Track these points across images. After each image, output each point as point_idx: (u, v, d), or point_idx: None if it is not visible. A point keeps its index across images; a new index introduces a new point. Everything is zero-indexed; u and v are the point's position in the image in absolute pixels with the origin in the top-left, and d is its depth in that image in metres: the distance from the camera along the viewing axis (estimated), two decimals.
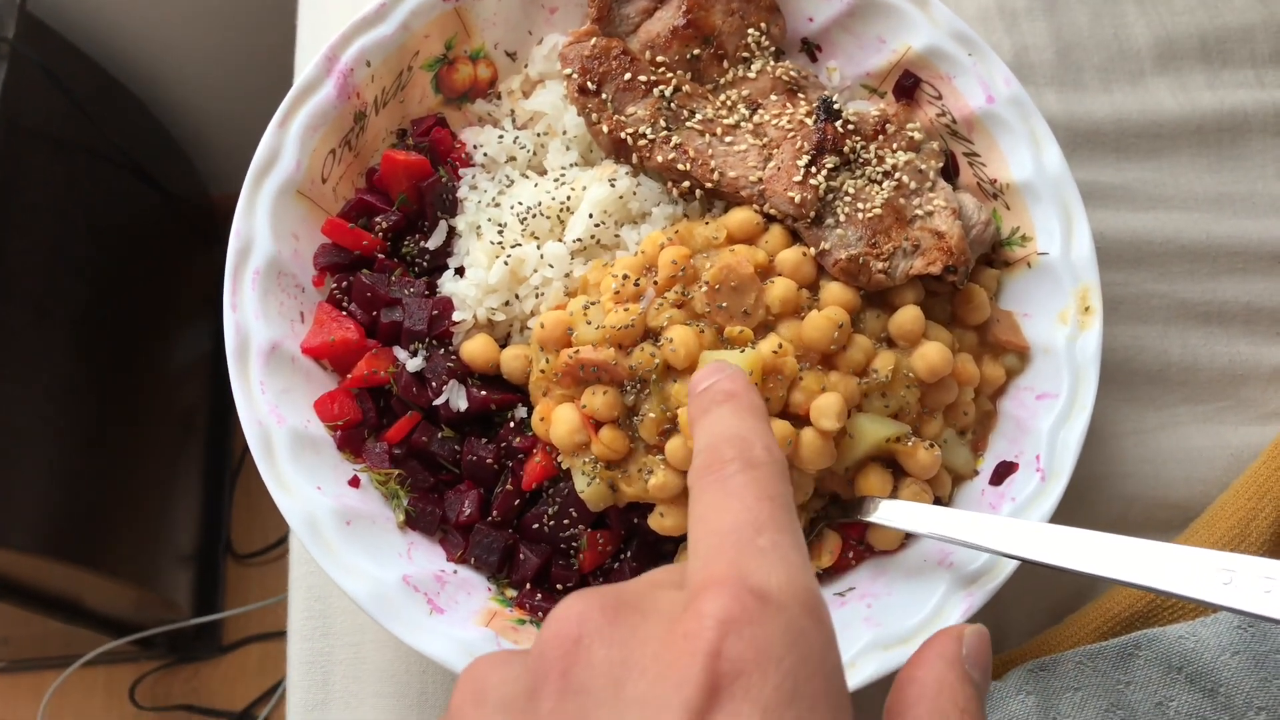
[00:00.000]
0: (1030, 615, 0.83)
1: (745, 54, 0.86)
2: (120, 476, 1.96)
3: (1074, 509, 0.74)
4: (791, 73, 0.86)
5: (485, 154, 0.86)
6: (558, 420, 0.75)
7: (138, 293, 2.04)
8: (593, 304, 0.77)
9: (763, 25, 0.87)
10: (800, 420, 0.74)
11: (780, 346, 0.74)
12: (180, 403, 2.25)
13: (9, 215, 1.60)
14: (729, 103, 0.84)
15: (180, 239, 2.26)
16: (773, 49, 0.87)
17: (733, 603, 0.36)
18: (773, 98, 0.85)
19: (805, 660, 0.36)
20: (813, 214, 0.79)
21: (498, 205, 0.84)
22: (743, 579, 0.37)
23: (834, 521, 0.79)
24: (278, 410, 0.74)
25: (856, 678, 0.70)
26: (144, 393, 2.06)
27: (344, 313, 0.81)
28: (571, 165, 0.85)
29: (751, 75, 0.86)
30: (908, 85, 0.87)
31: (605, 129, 0.81)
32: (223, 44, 1.98)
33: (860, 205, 0.79)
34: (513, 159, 0.86)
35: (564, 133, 0.85)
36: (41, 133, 1.74)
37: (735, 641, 0.35)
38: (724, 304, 0.75)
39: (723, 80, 0.86)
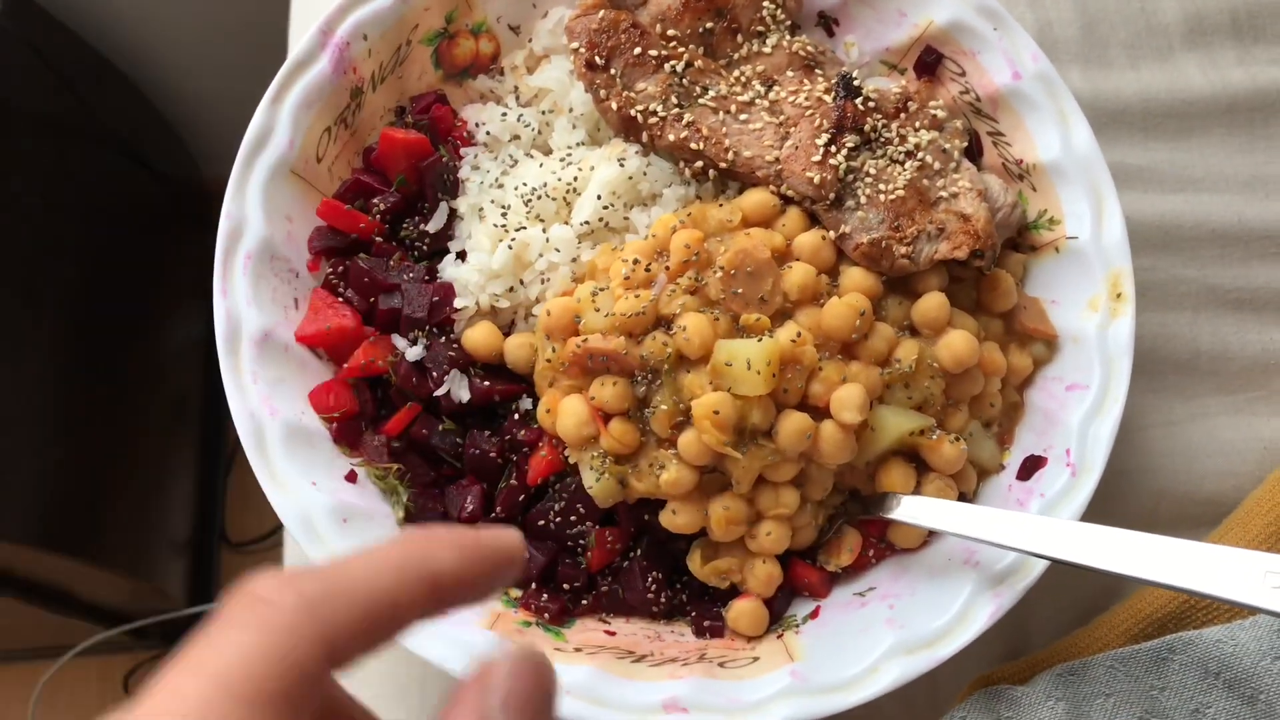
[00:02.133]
0: (1055, 615, 0.80)
1: (760, 28, 0.82)
2: (112, 464, 1.92)
3: (1100, 505, 0.71)
4: (808, 48, 0.82)
5: (488, 132, 0.82)
6: (565, 412, 0.72)
7: (128, 276, 2.00)
8: (601, 290, 0.73)
9: None
10: (819, 412, 0.71)
11: (799, 335, 0.70)
12: (173, 388, 2.21)
13: None
14: (743, 79, 0.80)
15: (171, 221, 2.21)
16: (788, 23, 0.83)
17: None
18: (789, 74, 0.81)
19: None
20: (832, 195, 0.75)
21: (501, 186, 0.80)
22: None
23: (853, 518, 0.75)
24: (270, 401, 0.70)
25: (877, 685, 0.67)
26: (136, 378, 2.03)
27: (340, 299, 0.77)
28: (578, 144, 0.81)
29: (767, 50, 0.82)
30: (929, 61, 0.83)
31: (614, 106, 0.77)
32: (214, 21, 1.93)
33: (882, 186, 0.76)
34: (516, 138, 0.82)
35: (570, 110, 0.82)
36: (30, 112, 1.69)
37: None
38: (739, 290, 0.71)
39: (736, 55, 0.82)
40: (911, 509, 0.71)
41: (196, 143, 2.26)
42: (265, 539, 2.32)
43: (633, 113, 0.77)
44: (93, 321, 1.86)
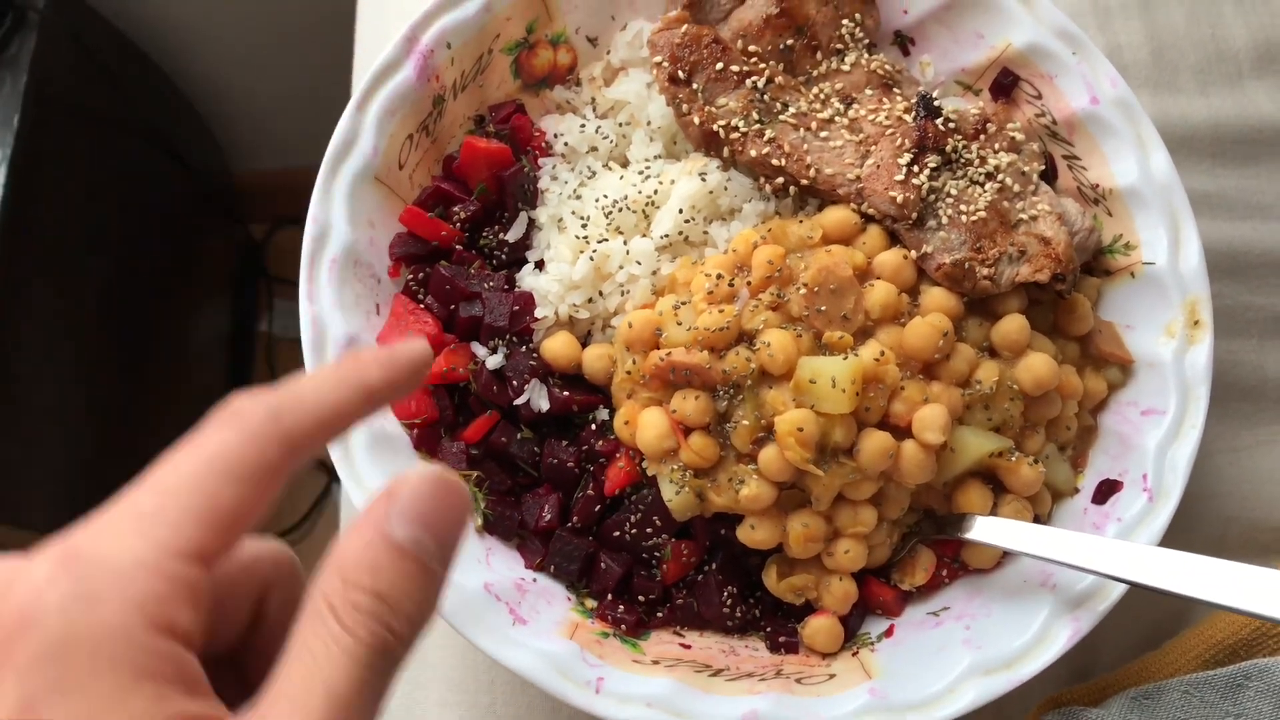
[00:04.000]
0: (1122, 638, 0.80)
1: (839, 46, 0.83)
2: (138, 456, 1.91)
3: (1168, 530, 0.71)
4: (886, 66, 0.82)
5: (566, 143, 0.82)
6: (645, 424, 0.72)
7: (159, 269, 2.01)
8: (683, 304, 0.74)
9: (857, 16, 0.83)
10: (900, 432, 0.71)
11: (882, 354, 0.70)
12: (198, 383, 2.21)
13: (36, 186, 1.56)
14: (822, 96, 0.81)
15: (200, 215, 2.21)
16: (866, 41, 0.84)
17: (43, 568, 0.32)
18: (867, 92, 0.81)
19: (83, 621, 0.31)
20: (915, 215, 0.75)
21: (579, 197, 0.80)
22: (71, 544, 0.34)
23: (927, 537, 0.76)
24: None
25: (956, 705, 0.67)
26: (162, 372, 2.03)
27: (420, 305, 0.77)
28: (655, 157, 0.81)
29: (845, 68, 0.82)
30: (1006, 83, 0.84)
31: (696, 120, 0.78)
32: (247, 17, 1.93)
33: (963, 207, 0.76)
34: (594, 149, 0.82)
35: (648, 123, 0.82)
36: (69, 103, 1.69)
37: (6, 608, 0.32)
38: (822, 307, 0.72)
39: (815, 73, 0.82)
40: (989, 530, 0.71)
41: (226, 138, 2.26)
42: (281, 536, 2.32)
43: (715, 128, 0.78)
44: (124, 314, 1.86)
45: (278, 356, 2.40)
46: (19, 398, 1.54)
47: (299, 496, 2.33)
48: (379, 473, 0.69)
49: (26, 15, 1.58)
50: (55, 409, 1.66)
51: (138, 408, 1.90)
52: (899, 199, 0.75)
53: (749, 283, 0.73)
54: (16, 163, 1.52)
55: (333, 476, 2.32)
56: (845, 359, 0.70)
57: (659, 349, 0.73)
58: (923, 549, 0.76)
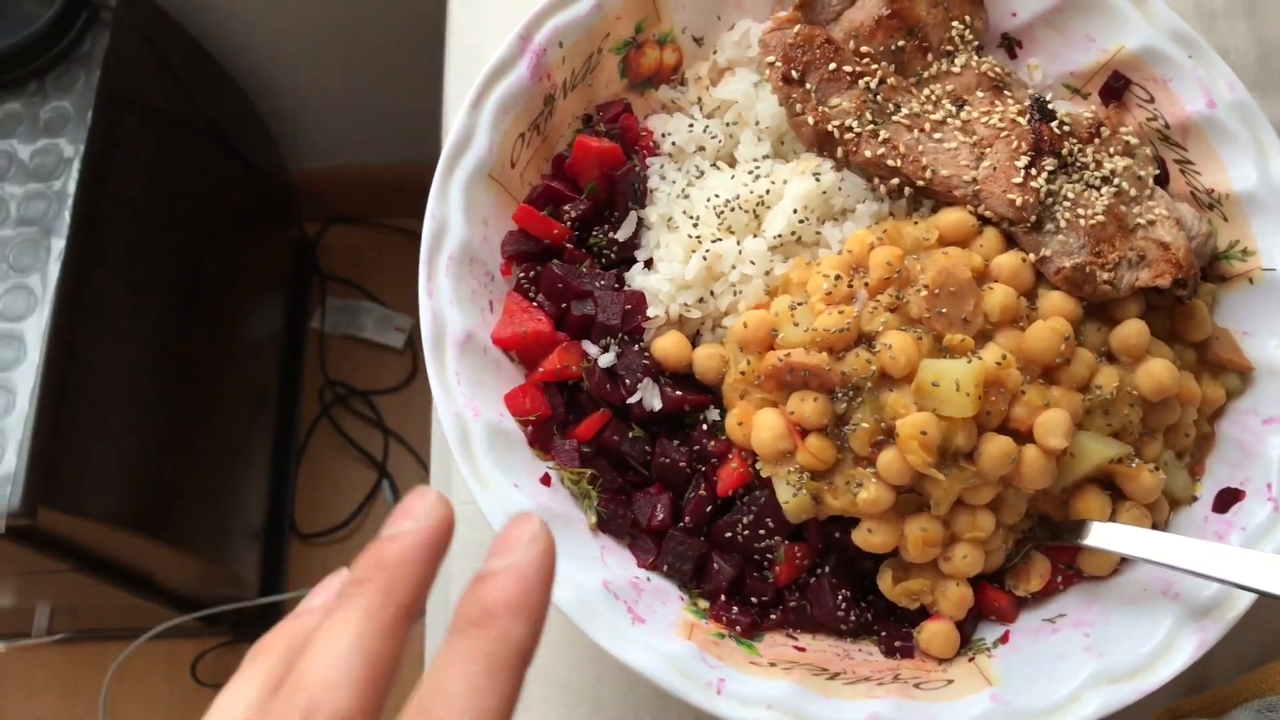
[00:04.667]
0: (1238, 649, 0.79)
1: (949, 48, 0.82)
2: (195, 450, 1.94)
3: None
4: (996, 69, 0.82)
5: (674, 143, 0.82)
6: (761, 425, 0.72)
7: (218, 266, 2.02)
8: (800, 304, 0.73)
9: (967, 18, 0.83)
10: (1022, 436, 0.71)
11: (1004, 357, 0.70)
12: (252, 379, 2.23)
13: (106, 185, 1.58)
14: (933, 97, 0.80)
15: (258, 213, 2.23)
16: (976, 43, 0.83)
17: None
18: (978, 94, 0.81)
19: None
20: (1033, 218, 0.75)
21: (687, 196, 0.80)
22: None
23: (1042, 543, 0.75)
24: (474, 403, 0.71)
25: (1080, 713, 0.66)
26: (220, 367, 2.05)
27: (532, 303, 0.77)
28: (764, 157, 0.81)
29: (955, 70, 0.82)
30: (1117, 87, 0.83)
31: (810, 121, 0.78)
32: (306, 18, 1.95)
33: (1081, 211, 0.75)
34: (702, 149, 0.82)
35: (756, 123, 0.82)
36: (138, 101, 1.71)
37: None
38: (944, 309, 0.71)
39: (926, 74, 0.82)
40: (1110, 536, 0.70)
41: (284, 138, 2.28)
42: (332, 532, 2.33)
43: (829, 128, 0.77)
44: (186, 309, 1.88)
45: (329, 354, 2.42)
46: (87, 391, 1.56)
47: (348, 494, 2.34)
48: (498, 469, 0.69)
49: (100, 13, 1.60)
50: (122, 401, 1.68)
51: (196, 401, 1.92)
52: (1018, 201, 0.74)
53: (866, 284, 0.73)
54: (89, 158, 1.54)
55: (382, 474, 2.34)
56: (968, 362, 0.69)
57: (774, 349, 0.73)
58: (1037, 555, 0.75)
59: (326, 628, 0.35)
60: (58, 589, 1.89)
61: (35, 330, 1.43)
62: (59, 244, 1.48)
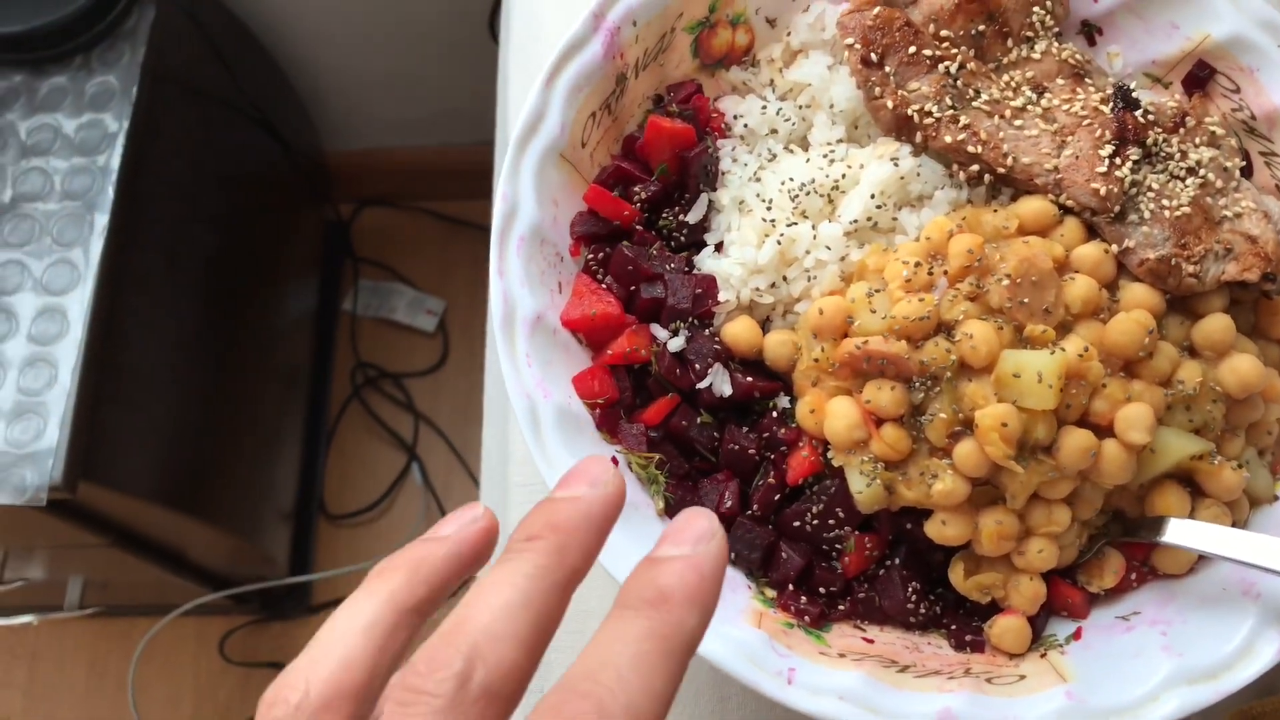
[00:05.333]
0: None
1: (1029, 34, 0.81)
2: (230, 428, 1.95)
3: None
4: (1076, 56, 0.80)
5: (746, 125, 0.81)
6: (835, 414, 0.71)
7: (255, 246, 2.02)
8: (877, 291, 0.72)
9: (1048, 4, 0.81)
10: (1102, 430, 0.69)
11: (1086, 349, 0.68)
12: (286, 359, 2.23)
13: (149, 162, 1.58)
14: (1013, 84, 0.79)
15: (294, 193, 2.23)
16: (1056, 29, 0.81)
17: None
18: (1059, 81, 0.79)
19: None
20: (1117, 209, 0.73)
21: (759, 179, 0.79)
22: None
23: (1116, 539, 0.74)
24: (544, 384, 0.70)
25: (1159, 713, 0.65)
26: (255, 346, 2.05)
27: (601, 285, 0.76)
28: (838, 141, 0.80)
29: (1035, 56, 0.80)
30: (1201, 76, 0.81)
31: (889, 104, 0.76)
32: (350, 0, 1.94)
33: (1165, 202, 0.74)
34: (774, 131, 0.81)
35: (830, 106, 0.80)
36: (181, 78, 1.71)
37: None
38: (1025, 299, 0.70)
39: (1005, 60, 0.80)
40: (1189, 533, 0.69)
41: (321, 118, 2.27)
42: (361, 513, 2.34)
43: (908, 112, 0.76)
44: (223, 288, 1.88)
45: (360, 336, 2.42)
46: (128, 366, 1.56)
47: (378, 476, 2.34)
48: (570, 455, 0.69)
49: None
50: (159, 379, 1.68)
51: (231, 380, 1.92)
52: (1101, 191, 0.73)
53: (945, 272, 0.72)
54: (133, 133, 1.54)
55: (411, 457, 2.33)
56: (1050, 353, 0.68)
57: (850, 336, 0.72)
58: (1111, 551, 0.74)
59: (495, 578, 0.35)
60: (91, 563, 1.90)
61: (78, 305, 1.43)
62: (102, 219, 1.48)
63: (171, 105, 1.67)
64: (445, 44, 2.04)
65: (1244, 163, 0.78)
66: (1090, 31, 0.84)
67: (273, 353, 2.15)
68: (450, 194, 2.38)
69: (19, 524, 1.54)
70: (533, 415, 0.69)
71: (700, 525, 0.38)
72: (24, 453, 1.35)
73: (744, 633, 0.67)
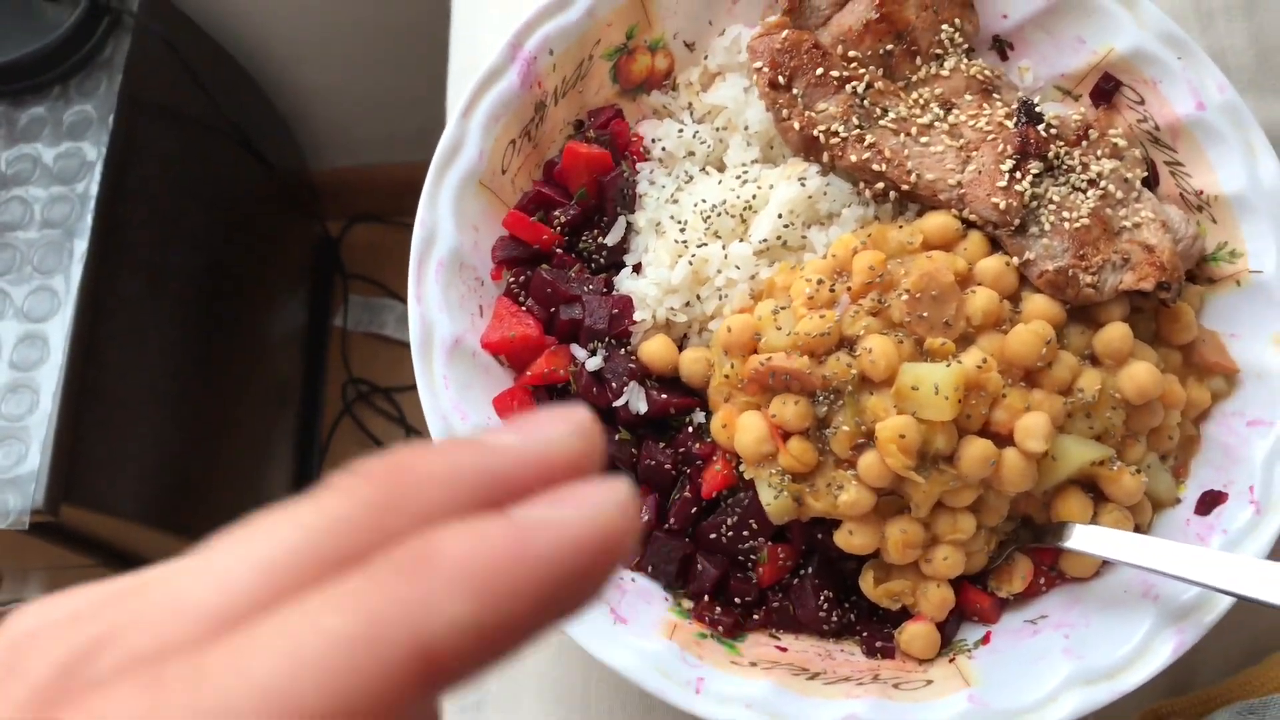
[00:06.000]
0: (1221, 651, 0.79)
1: (938, 51, 0.83)
2: (220, 447, 1.98)
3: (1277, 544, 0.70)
4: (985, 72, 0.82)
5: (664, 148, 0.83)
6: (744, 428, 0.73)
7: (240, 265, 2.06)
8: (783, 309, 0.74)
9: (957, 21, 0.83)
10: (1002, 440, 0.71)
11: (985, 361, 0.70)
12: (275, 376, 2.27)
13: (128, 186, 1.61)
14: (921, 101, 0.81)
15: (279, 213, 2.27)
16: (965, 46, 0.83)
17: None
18: (967, 97, 0.81)
19: None
20: (1017, 222, 0.75)
21: (676, 202, 0.81)
22: None
23: (1024, 545, 0.75)
24: (461, 407, 0.72)
25: (1057, 714, 0.67)
26: (243, 365, 2.08)
27: (522, 308, 0.79)
28: (753, 162, 0.82)
29: (944, 73, 0.82)
30: (1107, 89, 0.83)
31: (796, 126, 0.78)
32: (325, 20, 1.97)
33: (1065, 214, 0.76)
34: (691, 154, 0.83)
35: (745, 128, 0.83)
36: (159, 103, 1.74)
37: None
38: (924, 313, 0.72)
39: (915, 78, 0.82)
40: (1091, 539, 0.71)
41: (304, 137, 2.31)
42: None
43: (815, 133, 0.78)
44: (208, 309, 1.91)
45: (351, 351, 2.45)
46: (110, 390, 1.59)
47: None
48: None
49: (122, 18, 1.63)
50: (143, 401, 1.71)
51: (219, 400, 1.95)
52: (1002, 205, 0.75)
53: (849, 288, 0.74)
54: (111, 161, 1.58)
55: None
56: (948, 366, 0.70)
57: (758, 353, 0.74)
58: (1020, 556, 0.76)
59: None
60: (84, 583, 1.94)
61: (58, 331, 1.47)
62: (81, 246, 1.52)
63: (150, 131, 1.70)
64: (424, 62, 2.07)
65: (1145, 174, 0.80)
66: (1002, 47, 0.86)
67: (262, 371, 2.18)
68: None
69: (7, 547, 1.58)
70: (450, 437, 0.71)
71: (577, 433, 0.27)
72: (6, 477, 1.39)
73: (654, 644, 0.69)
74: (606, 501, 0.25)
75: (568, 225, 0.80)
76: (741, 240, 0.78)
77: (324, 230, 2.47)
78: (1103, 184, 0.77)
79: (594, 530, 0.24)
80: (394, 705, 0.22)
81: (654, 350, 0.77)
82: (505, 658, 0.24)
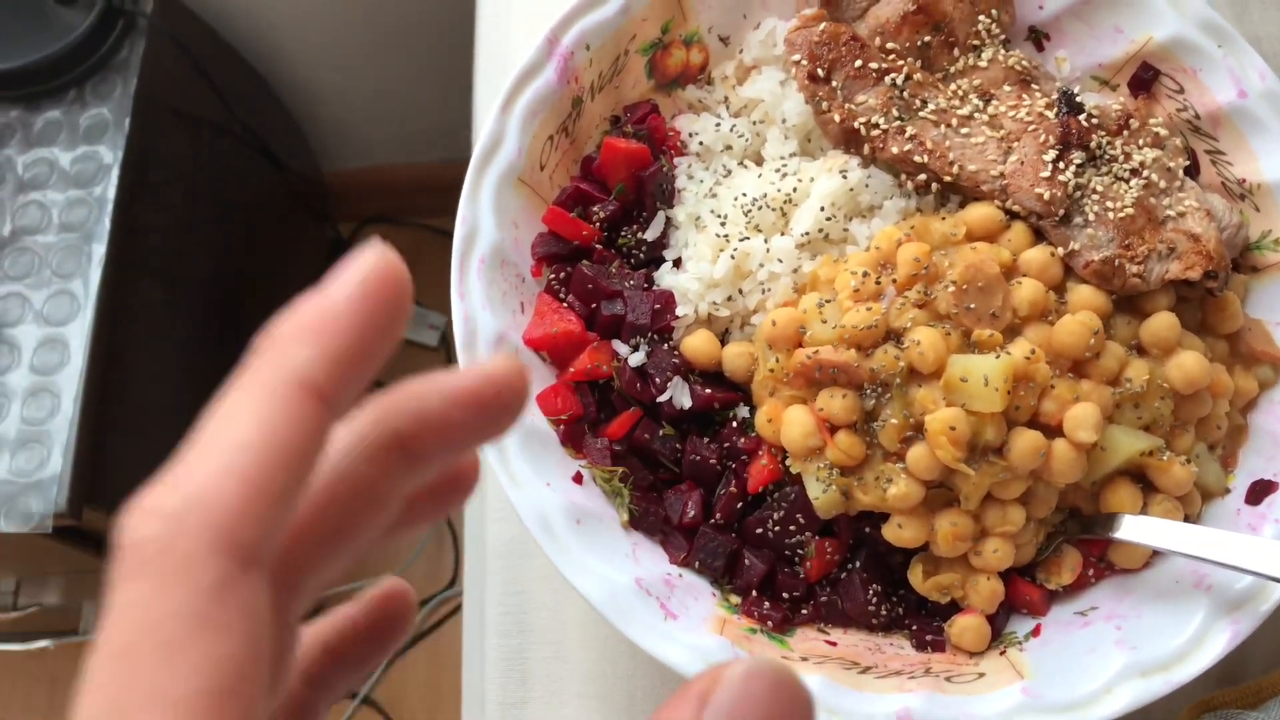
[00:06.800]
0: (1274, 642, 0.79)
1: (975, 42, 0.82)
2: None
3: None
4: (1023, 62, 0.81)
5: (701, 142, 0.83)
6: (790, 422, 0.73)
7: (255, 268, 2.05)
8: (828, 301, 0.74)
9: (993, 12, 0.82)
10: (1051, 431, 0.71)
11: (1033, 352, 0.70)
12: None
13: (143, 189, 1.61)
14: (960, 92, 0.80)
15: (292, 214, 2.26)
16: (1002, 37, 0.83)
17: None
18: (1005, 88, 0.81)
19: None
20: (1061, 212, 0.75)
21: (715, 196, 0.81)
22: None
23: (1073, 537, 0.75)
24: None
25: (1113, 706, 0.66)
26: None
27: (563, 304, 0.78)
28: (791, 155, 0.82)
29: (982, 64, 0.82)
30: (1146, 78, 0.82)
31: (836, 118, 0.78)
32: (338, 22, 1.97)
33: (1110, 204, 0.75)
34: (729, 147, 0.83)
35: (783, 121, 0.82)
36: (173, 106, 1.74)
37: None
38: (971, 305, 0.71)
39: (952, 69, 0.82)
40: (1142, 529, 0.70)
41: (316, 139, 2.30)
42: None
43: (855, 125, 0.78)
44: (222, 312, 1.91)
45: None
46: (130, 392, 1.59)
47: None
48: (532, 471, 0.71)
49: (136, 21, 1.63)
50: (163, 403, 1.71)
51: None
52: (1046, 195, 0.74)
53: (894, 280, 0.73)
54: (128, 164, 1.57)
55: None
56: (997, 357, 0.69)
57: (803, 347, 0.73)
58: (1069, 548, 0.75)
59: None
60: (104, 588, 1.93)
61: (78, 335, 1.47)
62: (99, 249, 1.52)
63: (165, 134, 1.70)
64: (437, 63, 2.07)
65: (1188, 162, 0.79)
66: (1038, 37, 0.86)
67: None
68: (450, 210, 2.40)
69: (29, 551, 1.58)
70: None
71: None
72: (29, 481, 1.38)
73: (706, 640, 0.69)
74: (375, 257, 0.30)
75: (607, 221, 0.80)
76: (783, 234, 0.78)
77: (336, 232, 2.47)
78: (1146, 173, 0.77)
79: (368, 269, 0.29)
80: (306, 429, 0.27)
81: (697, 345, 0.77)
82: (369, 369, 0.29)
